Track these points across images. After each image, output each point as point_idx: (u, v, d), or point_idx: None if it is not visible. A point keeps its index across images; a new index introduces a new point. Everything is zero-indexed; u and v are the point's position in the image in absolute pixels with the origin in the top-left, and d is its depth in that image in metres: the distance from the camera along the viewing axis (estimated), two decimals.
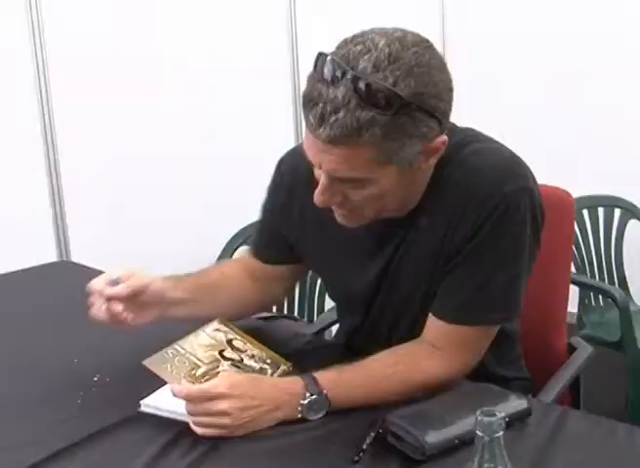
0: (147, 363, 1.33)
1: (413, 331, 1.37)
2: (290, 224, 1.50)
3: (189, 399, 1.21)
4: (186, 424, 1.23)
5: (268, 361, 1.38)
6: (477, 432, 0.88)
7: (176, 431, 1.23)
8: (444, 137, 1.23)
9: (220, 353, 1.38)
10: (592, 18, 3.16)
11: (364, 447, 1.17)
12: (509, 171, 1.29)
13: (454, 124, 1.36)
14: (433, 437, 1.14)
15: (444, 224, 1.30)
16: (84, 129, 2.48)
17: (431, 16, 3.40)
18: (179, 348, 1.37)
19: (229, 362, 1.36)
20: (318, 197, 1.24)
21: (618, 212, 2.89)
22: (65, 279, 2.09)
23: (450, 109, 1.22)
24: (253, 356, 1.38)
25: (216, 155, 2.83)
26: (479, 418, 0.87)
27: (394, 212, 1.33)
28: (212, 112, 2.78)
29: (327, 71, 1.13)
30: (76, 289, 1.97)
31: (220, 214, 2.81)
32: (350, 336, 1.58)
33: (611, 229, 2.90)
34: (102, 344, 1.61)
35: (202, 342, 1.39)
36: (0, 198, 2.29)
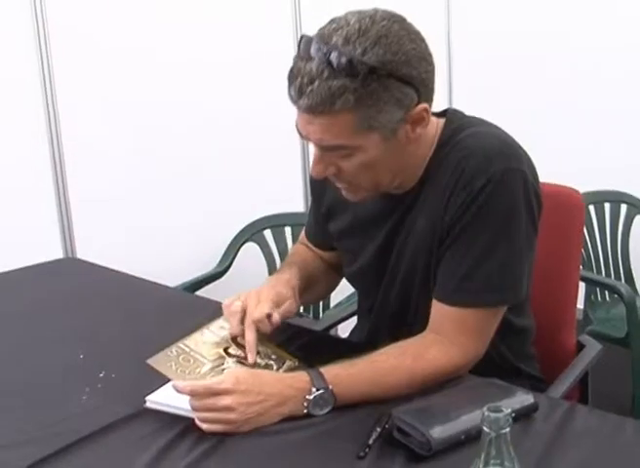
0: (152, 362, 1.33)
1: (416, 324, 1.38)
2: (321, 208, 1.57)
3: (194, 395, 1.21)
4: (192, 420, 1.23)
5: (274, 357, 1.38)
6: (484, 428, 0.87)
7: (181, 427, 1.23)
8: (424, 105, 1.27)
9: (225, 350, 1.37)
10: (598, 14, 3.14)
11: (370, 442, 1.16)
12: (499, 152, 1.30)
13: (459, 112, 1.40)
14: (439, 432, 1.13)
15: (438, 205, 1.32)
16: (89, 127, 2.47)
17: (436, 14, 3.38)
18: (183, 346, 1.37)
19: (234, 358, 1.35)
20: (313, 168, 1.32)
21: (624, 207, 2.89)
22: (71, 275, 2.09)
23: (429, 78, 1.27)
24: (258, 352, 1.37)
25: (219, 154, 2.82)
26: (486, 414, 0.86)
27: (393, 187, 1.36)
28: (216, 111, 2.77)
29: (305, 49, 1.23)
30: (82, 285, 1.99)
31: (223, 212, 2.82)
32: (359, 329, 1.61)
33: (617, 225, 2.89)
34: (108, 340, 1.61)
35: (207, 340, 1.39)
36: (6, 195, 2.29)
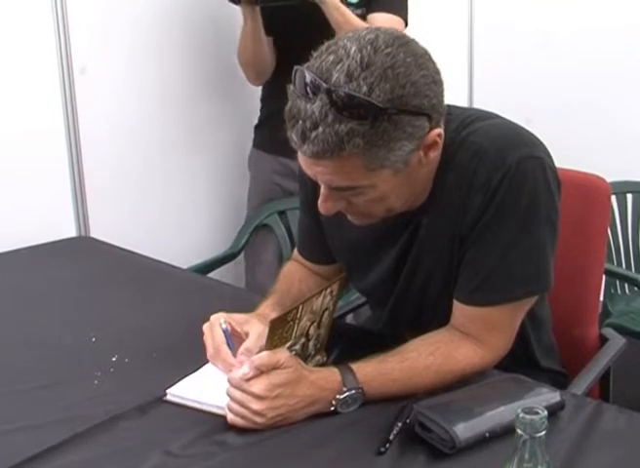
0: (271, 318, 1.25)
1: (434, 323, 1.34)
2: (318, 219, 1.49)
3: (232, 382, 1.18)
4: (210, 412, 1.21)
5: (318, 346, 1.34)
6: (517, 430, 0.83)
7: (197, 418, 1.21)
8: (438, 131, 1.20)
9: (311, 325, 1.31)
10: (617, 11, 3.09)
11: (390, 437, 1.13)
12: (510, 143, 1.26)
13: (454, 106, 1.33)
14: (464, 430, 1.09)
15: (454, 207, 1.28)
16: (105, 107, 2.45)
17: (459, 7, 3.34)
18: (301, 309, 1.27)
19: (303, 340, 1.29)
20: (322, 206, 1.25)
21: None
22: (84, 255, 2.07)
23: (440, 101, 1.19)
24: (318, 336, 1.32)
25: (234, 135, 2.79)
26: (520, 416, 0.82)
27: (407, 207, 1.31)
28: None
29: (303, 86, 1.13)
30: (95, 265, 1.96)
31: (237, 193, 2.78)
32: (373, 320, 1.58)
33: (639, 216, 2.83)
34: (122, 322, 1.58)
35: (314, 307, 1.31)
36: (21, 173, 2.26)
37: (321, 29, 2.18)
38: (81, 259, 2.02)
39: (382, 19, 2.31)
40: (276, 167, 2.57)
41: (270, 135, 2.57)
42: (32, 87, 2.27)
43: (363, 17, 2.33)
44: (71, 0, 2.29)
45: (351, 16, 2.26)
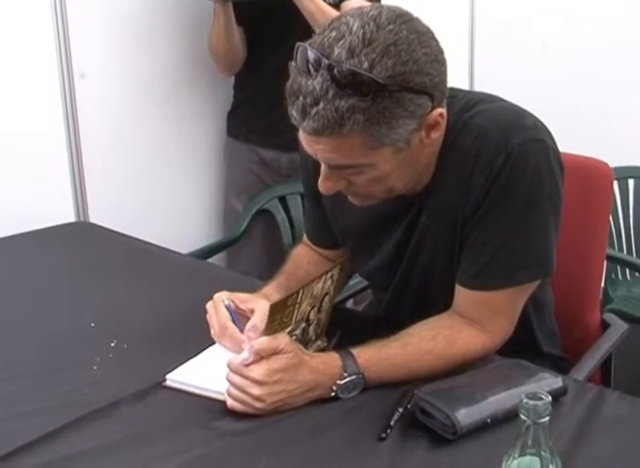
0: (272, 303, 1.24)
1: (436, 307, 1.33)
2: (322, 205, 1.49)
3: (231, 368, 1.17)
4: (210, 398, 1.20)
5: (319, 331, 1.33)
6: (520, 416, 0.82)
7: (200, 403, 1.20)
8: (440, 110, 1.19)
9: (311, 310, 1.30)
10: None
11: (391, 423, 1.12)
12: (514, 125, 1.25)
13: (457, 89, 1.32)
14: (465, 415, 1.09)
15: (457, 190, 1.27)
16: (104, 96, 2.44)
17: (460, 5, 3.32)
18: (301, 293, 1.26)
19: (304, 325, 1.29)
20: (322, 185, 1.24)
21: None
22: (83, 240, 2.07)
23: (442, 80, 1.18)
24: (318, 320, 1.32)
25: None
26: (524, 401, 0.82)
27: (408, 188, 1.30)
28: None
29: (304, 62, 1.12)
30: (94, 250, 1.96)
31: None
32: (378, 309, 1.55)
33: None
34: (121, 307, 1.58)
35: (314, 292, 1.30)
36: (20, 158, 2.25)
37: (293, 17, 2.21)
38: (80, 244, 2.01)
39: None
40: (251, 156, 2.58)
41: (242, 123, 2.60)
42: (33, 80, 2.27)
43: (337, 5, 2.29)
44: (71, 5, 2.29)
45: (324, 4, 2.24)
